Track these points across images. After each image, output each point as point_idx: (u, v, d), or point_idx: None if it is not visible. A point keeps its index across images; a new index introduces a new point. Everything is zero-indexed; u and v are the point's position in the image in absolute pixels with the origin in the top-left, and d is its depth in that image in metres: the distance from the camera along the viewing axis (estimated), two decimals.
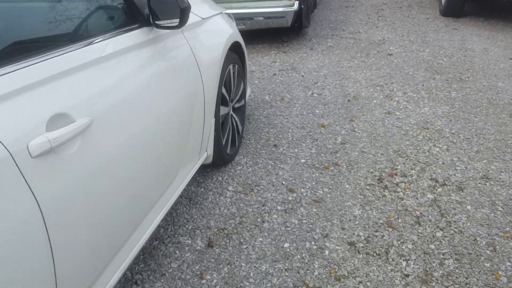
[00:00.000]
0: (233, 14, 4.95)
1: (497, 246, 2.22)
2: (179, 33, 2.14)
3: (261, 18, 5.14)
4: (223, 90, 2.69)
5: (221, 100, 2.67)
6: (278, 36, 5.94)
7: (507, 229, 2.34)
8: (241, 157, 3.07)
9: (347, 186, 2.74)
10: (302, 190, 2.70)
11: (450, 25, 6.23)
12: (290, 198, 2.63)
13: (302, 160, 3.03)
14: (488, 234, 2.31)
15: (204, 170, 2.89)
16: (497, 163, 2.95)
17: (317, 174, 2.86)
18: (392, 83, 4.33)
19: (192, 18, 2.32)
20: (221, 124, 2.72)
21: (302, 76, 4.57)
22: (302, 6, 5.11)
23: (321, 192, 2.68)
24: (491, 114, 3.63)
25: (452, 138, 3.27)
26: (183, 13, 1.81)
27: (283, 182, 2.78)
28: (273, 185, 2.75)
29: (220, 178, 2.82)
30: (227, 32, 2.81)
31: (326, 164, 2.97)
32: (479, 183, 2.73)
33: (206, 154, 2.50)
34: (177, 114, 1.98)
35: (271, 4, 5.02)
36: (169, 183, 2.00)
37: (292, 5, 4.98)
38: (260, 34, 5.95)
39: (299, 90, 4.21)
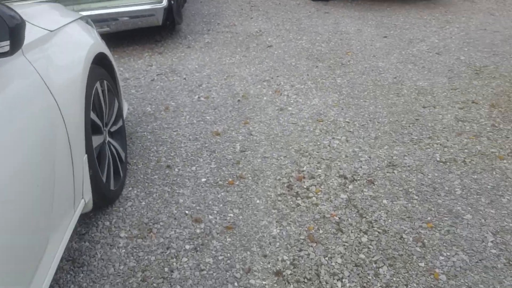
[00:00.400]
0: (94, 15, 4.34)
1: (425, 240, 2.11)
2: (19, 55, 1.60)
3: (127, 18, 4.58)
4: (93, 116, 2.19)
5: (93, 128, 2.17)
6: (150, 35, 5.42)
7: (428, 218, 2.25)
8: (130, 189, 2.60)
9: (258, 201, 2.44)
10: (210, 217, 2.34)
11: (321, 9, 6.28)
12: (198, 230, 2.25)
13: (203, 179, 2.66)
14: (412, 228, 2.19)
15: (86, 216, 2.36)
16: (398, 147, 2.89)
17: (222, 194, 2.51)
18: (277, 76, 4.13)
19: (34, 34, 1.78)
20: (97, 157, 2.22)
21: (184, 78, 4.16)
22: (172, 2, 4.66)
23: (232, 215, 2.34)
24: (379, 96, 3.62)
25: (348, 127, 3.16)
26: (14, 34, 1.31)
27: (186, 212, 2.38)
28: (175, 218, 2.34)
29: (107, 223, 2.32)
30: (87, 43, 2.29)
31: (230, 179, 2.64)
32: (387, 172, 2.63)
33: (84, 201, 1.99)
34: (29, 168, 1.46)
35: (137, 2, 4.49)
36: (39, 259, 1.48)
37: (161, 1, 4.50)
38: (129, 35, 5.37)
39: (184, 95, 3.81)
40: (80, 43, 2.24)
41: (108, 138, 2.45)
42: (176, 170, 2.76)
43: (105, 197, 2.26)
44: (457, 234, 2.12)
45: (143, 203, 2.48)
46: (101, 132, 2.33)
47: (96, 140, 2.22)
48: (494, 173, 2.57)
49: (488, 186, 2.45)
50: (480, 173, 2.57)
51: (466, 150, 2.81)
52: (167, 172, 2.75)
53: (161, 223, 2.31)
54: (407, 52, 4.59)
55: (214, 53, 4.77)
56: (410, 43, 4.84)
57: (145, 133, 3.22)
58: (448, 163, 2.69)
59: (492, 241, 2.06)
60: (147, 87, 4.01)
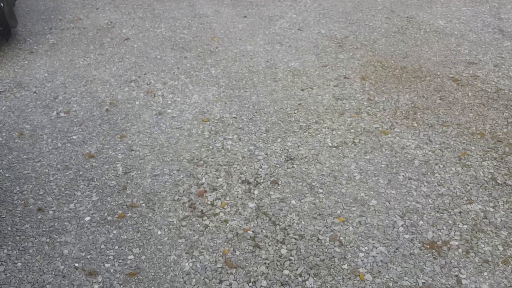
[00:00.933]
0: None
1: (341, 238, 2.07)
2: None
3: None
4: None
5: None
6: None
7: (338, 212, 2.22)
8: None
9: (160, 232, 2.16)
10: (107, 265, 1.99)
11: None
12: (96, 286, 1.89)
13: (87, 218, 2.26)
14: (326, 227, 2.14)
15: None
16: (290, 137, 2.83)
17: (115, 232, 2.17)
18: (145, 74, 3.76)
19: None
20: None
21: (35, 92, 3.53)
22: (2, 4, 3.89)
23: (132, 256, 2.03)
24: (257, 84, 3.51)
25: (237, 123, 3.00)
26: None
27: (76, 265, 2.00)
28: (64, 276, 1.94)
29: None
30: None
31: (120, 212, 2.29)
32: (287, 169, 2.55)
33: None
34: None
35: None
36: None
37: None
38: None
39: (39, 114, 3.22)
40: None
41: None
42: (51, 212, 2.31)
43: None
44: (369, 224, 2.13)
45: (19, 264, 2.01)
46: None
47: None
48: (384, 149, 2.66)
49: (382, 165, 2.52)
50: (372, 152, 2.63)
51: (352, 130, 2.86)
52: (40, 217, 2.28)
53: (48, 287, 1.90)
54: (270, 31, 4.54)
55: (63, 56, 4.15)
56: (271, 21, 4.81)
57: (1, 170, 2.64)
58: (340, 147, 2.70)
59: (402, 225, 2.11)
60: None
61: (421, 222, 2.12)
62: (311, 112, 3.08)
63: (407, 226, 2.10)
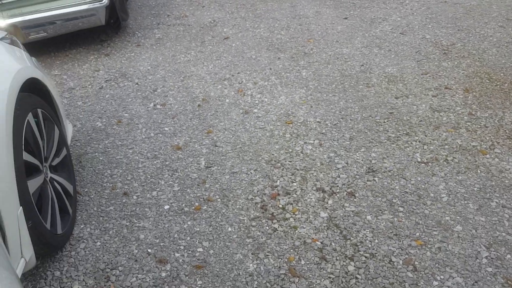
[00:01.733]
0: (27, 21, 3.88)
1: (416, 262, 1.91)
2: None
3: (65, 21, 4.13)
4: (27, 156, 1.85)
5: (28, 170, 1.84)
6: (94, 35, 4.96)
7: (417, 234, 2.06)
8: (82, 226, 2.28)
9: (230, 229, 2.18)
10: (177, 254, 2.06)
11: None
12: (163, 274, 1.97)
13: (166, 207, 2.37)
14: (401, 249, 1.99)
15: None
16: (375, 148, 2.68)
17: (189, 223, 2.24)
18: (238, 73, 3.83)
19: None
20: (38, 200, 1.89)
21: (137, 83, 3.79)
22: None
23: (201, 249, 2.08)
24: (348, 89, 3.39)
25: (320, 128, 2.93)
26: None
27: (149, 250, 2.10)
28: (136, 260, 2.05)
29: (58, 273, 2.01)
30: (12, 70, 1.93)
31: (197, 204, 2.36)
32: (367, 181, 2.42)
33: (24, 260, 1.68)
34: None
35: (74, 2, 4.04)
36: None
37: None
38: (72, 35, 4.90)
39: (138, 104, 3.46)
40: (3, 71, 1.87)
41: (50, 175, 2.11)
42: (135, 197, 2.46)
43: (50, 246, 1.94)
44: (449, 251, 1.94)
45: (98, 243, 2.17)
46: (40, 171, 2.00)
47: (34, 183, 1.88)
48: (479, 171, 2.41)
49: (475, 188, 2.28)
50: (465, 173, 2.40)
51: (446, 146, 2.64)
52: (124, 201, 2.44)
53: (120, 268, 2.02)
54: (370, 34, 4.37)
55: (167, 51, 4.40)
56: (372, 24, 4.62)
57: (97, 153, 2.88)
58: (430, 164, 2.50)
59: (486, 257, 1.89)
60: (95, 96, 3.63)
61: (508, 256, 1.88)
62: (403, 122, 2.90)
63: (492, 258, 1.88)
